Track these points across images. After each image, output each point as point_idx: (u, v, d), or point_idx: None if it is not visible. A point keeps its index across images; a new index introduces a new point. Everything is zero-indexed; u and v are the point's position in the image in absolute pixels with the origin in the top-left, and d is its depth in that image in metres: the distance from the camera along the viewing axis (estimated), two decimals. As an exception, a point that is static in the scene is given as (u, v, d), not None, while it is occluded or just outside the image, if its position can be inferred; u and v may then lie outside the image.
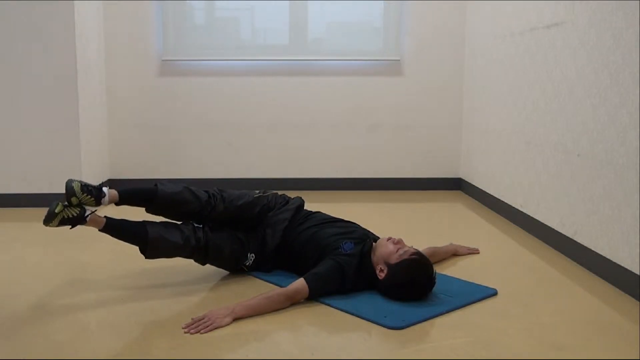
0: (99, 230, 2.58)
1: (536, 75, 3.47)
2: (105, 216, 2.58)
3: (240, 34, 4.94)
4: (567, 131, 3.08)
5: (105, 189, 2.57)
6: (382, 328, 2.18)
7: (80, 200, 2.48)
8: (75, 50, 4.14)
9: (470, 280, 2.68)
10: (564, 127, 3.13)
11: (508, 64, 3.92)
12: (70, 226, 2.50)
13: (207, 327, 2.15)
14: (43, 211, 3.92)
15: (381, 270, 2.46)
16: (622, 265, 2.58)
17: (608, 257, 2.69)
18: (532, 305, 2.44)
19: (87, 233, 3.59)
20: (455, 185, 4.99)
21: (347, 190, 4.91)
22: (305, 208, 2.90)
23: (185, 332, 2.13)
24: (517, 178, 3.75)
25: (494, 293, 2.54)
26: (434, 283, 2.44)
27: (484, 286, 2.61)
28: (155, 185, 2.62)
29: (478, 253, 3.16)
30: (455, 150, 4.97)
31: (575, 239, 3.00)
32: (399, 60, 4.86)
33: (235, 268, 2.74)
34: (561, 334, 2.15)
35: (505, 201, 3.94)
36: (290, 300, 2.36)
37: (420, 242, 2.98)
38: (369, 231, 2.76)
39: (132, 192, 2.65)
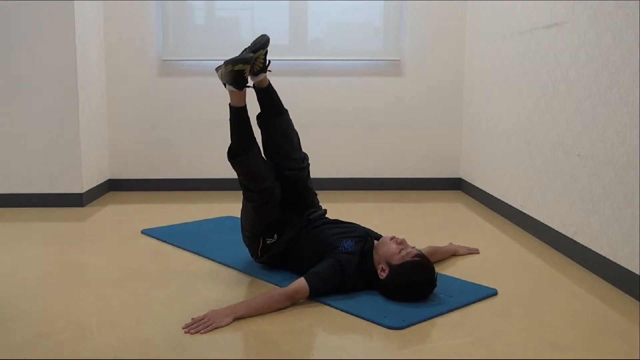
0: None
1: (536, 75, 3.47)
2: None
3: (240, 34, 4.94)
4: (567, 131, 3.08)
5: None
6: (382, 328, 2.18)
7: (256, 59, 2.61)
8: (75, 50, 4.14)
9: (470, 280, 2.68)
10: (564, 127, 3.13)
11: (508, 64, 3.92)
12: (236, 83, 2.57)
13: (207, 327, 2.15)
14: (43, 211, 3.92)
15: (382, 270, 2.45)
16: (622, 265, 2.58)
17: (608, 257, 2.69)
18: (532, 305, 2.44)
19: (87, 233, 3.60)
20: (455, 185, 4.99)
21: (347, 190, 4.91)
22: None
23: (185, 332, 2.13)
24: (517, 178, 3.76)
25: (494, 293, 2.54)
26: (435, 286, 2.44)
27: (484, 286, 2.61)
28: (286, 110, 2.75)
29: (478, 253, 3.16)
30: (455, 150, 4.97)
31: (575, 239, 3.00)
32: (399, 60, 4.86)
33: (264, 238, 2.69)
34: (561, 334, 2.15)
35: (505, 201, 3.94)
36: (290, 300, 2.35)
37: (420, 242, 2.98)
38: (370, 230, 2.75)
39: (273, 93, 2.79)
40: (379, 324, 2.20)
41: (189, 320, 2.20)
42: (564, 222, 3.12)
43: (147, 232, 3.52)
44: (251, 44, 2.69)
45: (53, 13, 4.09)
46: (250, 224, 2.74)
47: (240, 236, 3.38)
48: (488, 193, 4.28)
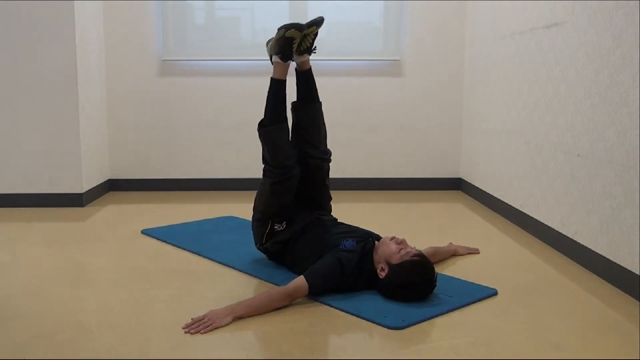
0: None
1: (536, 75, 3.47)
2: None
3: (240, 34, 4.94)
4: (567, 131, 3.08)
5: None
6: (382, 328, 2.18)
7: (307, 35, 2.69)
8: (75, 50, 4.14)
9: (470, 280, 2.68)
10: (564, 127, 3.13)
11: (508, 64, 3.92)
12: (283, 52, 2.67)
13: (207, 327, 2.15)
14: (43, 211, 3.93)
15: (382, 270, 2.45)
16: (622, 265, 2.58)
17: (608, 257, 2.69)
18: (532, 305, 2.44)
19: (87, 233, 3.60)
20: (455, 185, 4.99)
21: (347, 190, 4.91)
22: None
23: (185, 332, 2.13)
24: (517, 178, 3.76)
25: (494, 293, 2.54)
26: (435, 286, 2.43)
27: (484, 286, 2.61)
28: (321, 102, 2.83)
29: (478, 253, 3.16)
30: (455, 150, 4.98)
31: (575, 239, 3.00)
32: (399, 60, 4.86)
33: (273, 222, 2.72)
34: (561, 334, 2.15)
35: (505, 201, 3.94)
36: (290, 298, 2.35)
37: (420, 242, 2.98)
38: (372, 232, 2.75)
39: (311, 79, 2.85)
40: (379, 324, 2.20)
41: (189, 320, 2.20)
42: (564, 222, 3.12)
43: (147, 232, 3.52)
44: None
45: (53, 13, 4.09)
46: (264, 203, 2.76)
47: (240, 236, 3.40)
48: (488, 193, 4.28)
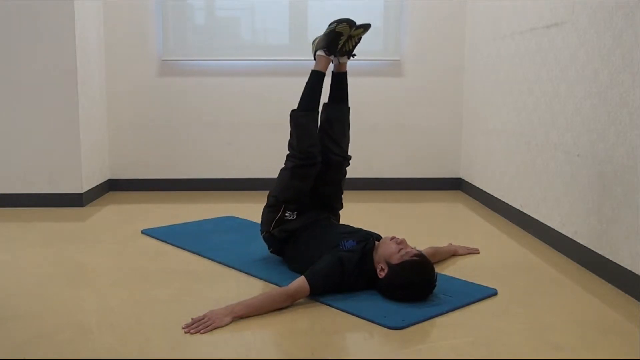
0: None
1: (536, 75, 3.47)
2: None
3: (240, 34, 4.94)
4: (567, 131, 3.08)
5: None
6: (382, 328, 2.18)
7: (353, 36, 2.85)
8: (75, 50, 4.14)
9: (470, 280, 2.68)
10: (564, 127, 3.13)
11: (508, 64, 3.92)
12: (328, 46, 2.83)
13: (207, 327, 2.15)
14: (43, 211, 3.93)
15: (382, 270, 2.45)
16: (622, 265, 2.58)
17: (608, 257, 2.69)
18: (532, 305, 2.44)
19: (87, 233, 3.60)
20: (455, 185, 4.99)
21: (347, 190, 4.89)
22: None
23: (185, 332, 2.13)
24: (517, 178, 3.76)
25: (494, 293, 2.54)
26: (435, 286, 2.43)
27: (484, 286, 2.61)
28: (349, 107, 3.00)
29: (478, 253, 3.16)
30: (455, 150, 4.97)
31: (575, 239, 3.00)
32: (399, 60, 4.86)
33: (285, 209, 2.77)
34: (561, 334, 2.15)
35: (505, 201, 3.94)
36: (291, 299, 2.35)
37: (420, 242, 2.98)
38: (374, 233, 2.75)
39: (345, 82, 3.00)
40: (379, 324, 2.20)
41: (189, 320, 2.20)
42: (564, 222, 3.12)
43: (147, 232, 3.52)
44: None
45: (53, 13, 4.09)
46: (280, 187, 2.82)
47: (240, 236, 3.41)
48: (488, 193, 4.28)
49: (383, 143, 4.96)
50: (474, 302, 2.44)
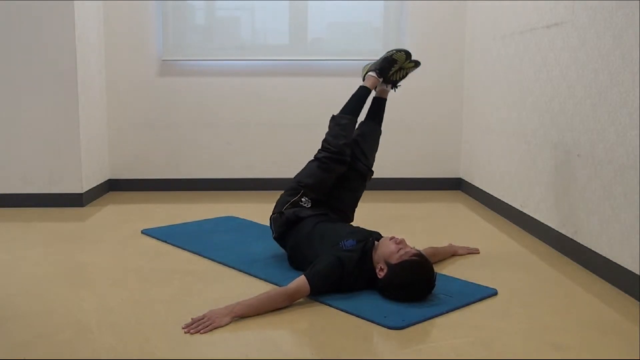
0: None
1: (536, 75, 3.47)
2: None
3: (240, 34, 4.94)
4: (567, 131, 3.08)
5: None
6: (382, 328, 2.18)
7: (405, 67, 3.11)
8: (75, 50, 4.14)
9: (470, 280, 2.68)
10: (564, 127, 3.13)
11: (508, 64, 3.92)
12: (381, 69, 3.06)
13: (207, 327, 2.15)
14: (43, 211, 3.92)
15: (381, 269, 2.45)
16: (622, 265, 2.58)
17: (608, 257, 2.69)
18: (532, 305, 2.44)
19: (87, 233, 3.60)
20: (455, 185, 4.99)
21: (347, 190, 4.90)
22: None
23: (185, 332, 2.13)
24: (517, 178, 3.76)
25: (494, 293, 2.54)
26: (434, 286, 2.43)
27: (484, 286, 2.61)
28: (381, 131, 3.17)
29: (478, 253, 3.16)
30: (455, 150, 4.97)
31: (575, 239, 3.00)
32: (399, 60, 4.85)
33: (302, 195, 2.87)
34: (561, 334, 2.15)
35: (505, 201, 3.94)
36: (291, 299, 2.36)
37: (420, 242, 2.98)
38: (374, 232, 2.75)
39: (383, 107, 3.17)
40: (379, 324, 2.20)
41: (188, 320, 2.20)
42: (564, 222, 3.12)
43: (147, 232, 3.52)
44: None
45: (53, 13, 4.09)
46: (305, 173, 2.94)
47: (240, 236, 3.42)
48: (488, 193, 4.28)
49: (383, 143, 4.91)
50: (474, 302, 2.44)
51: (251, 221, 3.80)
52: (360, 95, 3.07)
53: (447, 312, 2.32)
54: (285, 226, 2.85)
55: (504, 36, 3.99)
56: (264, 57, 4.84)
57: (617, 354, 2.01)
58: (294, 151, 4.95)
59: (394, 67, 3.07)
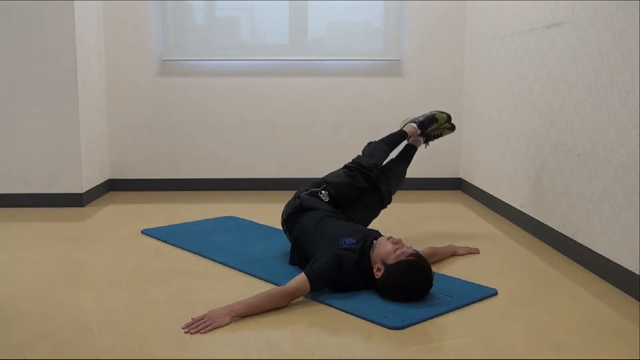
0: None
1: (536, 75, 3.47)
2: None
3: (240, 34, 4.94)
4: (567, 131, 3.08)
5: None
6: (382, 328, 2.18)
7: (442, 128, 3.39)
8: (75, 50, 4.14)
9: (470, 280, 2.68)
10: (564, 127, 3.13)
11: (508, 64, 3.92)
12: (422, 122, 3.33)
13: (207, 326, 2.15)
14: (43, 211, 3.92)
15: (378, 270, 2.46)
16: (622, 265, 2.58)
17: (608, 257, 2.69)
18: (532, 305, 2.44)
19: (87, 233, 3.60)
20: (455, 185, 4.99)
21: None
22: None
23: (185, 332, 2.13)
24: (517, 178, 3.76)
25: (494, 293, 2.54)
26: (431, 286, 2.43)
27: (484, 286, 2.61)
28: (406, 170, 3.38)
29: (478, 253, 3.16)
30: (455, 150, 4.97)
31: (575, 239, 3.00)
32: (399, 60, 4.86)
33: (324, 189, 3.00)
34: (561, 334, 2.15)
35: (505, 201, 3.94)
36: (291, 298, 2.36)
37: (420, 242, 2.98)
38: (373, 231, 2.75)
39: (412, 153, 3.41)
40: (379, 324, 2.20)
41: (188, 320, 2.20)
42: (564, 222, 3.12)
43: (147, 232, 3.52)
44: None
45: (53, 13, 4.09)
46: (332, 174, 3.09)
47: (240, 236, 3.44)
48: (488, 193, 4.28)
49: (383, 143, 4.95)
50: (474, 302, 2.44)
51: (251, 221, 3.80)
52: (398, 135, 3.33)
53: (447, 312, 2.32)
54: (296, 209, 2.89)
55: (504, 36, 3.99)
56: (263, 57, 4.84)
57: (617, 354, 2.01)
58: (294, 151, 4.95)
59: (433, 125, 3.34)
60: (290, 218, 2.91)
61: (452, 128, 3.45)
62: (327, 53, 4.85)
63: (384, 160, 3.25)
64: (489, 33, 4.30)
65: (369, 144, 3.30)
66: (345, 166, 3.14)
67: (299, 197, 2.96)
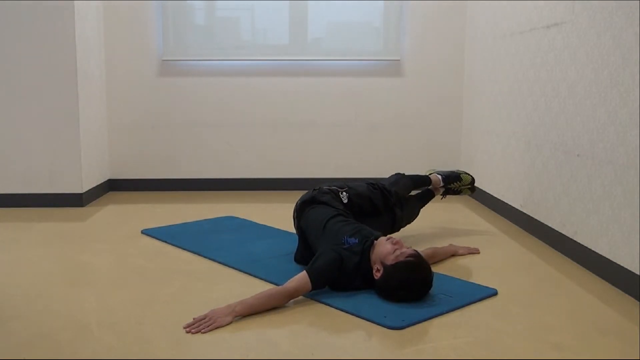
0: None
1: (536, 75, 3.47)
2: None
3: (240, 34, 4.94)
4: (567, 131, 3.08)
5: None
6: (382, 328, 2.18)
7: (461, 186, 3.59)
8: (75, 50, 4.14)
9: (470, 280, 2.68)
10: (564, 127, 3.13)
11: (508, 64, 3.92)
12: (448, 177, 3.54)
13: (208, 326, 2.15)
14: (43, 211, 3.92)
15: (377, 270, 2.46)
16: (622, 265, 2.58)
17: (608, 257, 2.69)
18: (532, 305, 2.44)
19: (87, 233, 3.60)
20: (455, 185, 4.98)
21: (347, 190, 4.90)
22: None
23: (187, 332, 2.13)
24: (517, 178, 3.76)
25: (494, 293, 2.54)
26: (430, 286, 2.43)
27: (484, 286, 2.61)
28: (420, 209, 3.46)
29: (478, 253, 3.16)
30: (455, 151, 4.97)
31: (575, 239, 3.00)
32: (399, 60, 4.86)
33: (344, 191, 3.02)
34: (561, 334, 2.15)
35: (505, 201, 3.94)
36: (292, 296, 2.37)
37: (420, 242, 2.98)
38: (375, 231, 2.75)
39: (430, 198, 3.53)
40: (378, 324, 2.20)
41: (189, 320, 2.20)
42: (564, 222, 3.12)
43: (147, 232, 3.52)
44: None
45: (53, 13, 4.09)
46: (357, 185, 3.15)
47: (240, 236, 3.44)
48: (488, 193, 4.28)
49: (383, 143, 4.96)
50: (474, 302, 2.44)
51: (251, 221, 3.80)
52: (423, 179, 3.51)
53: (447, 312, 2.32)
54: (311, 199, 2.90)
55: (504, 36, 3.99)
56: (264, 57, 4.84)
57: (617, 354, 2.01)
58: (294, 151, 4.95)
59: (456, 182, 3.55)
60: (303, 207, 2.90)
61: (472, 190, 3.63)
62: (327, 53, 4.85)
63: (405, 194, 3.35)
64: (489, 33, 4.30)
65: (396, 174, 3.46)
66: (369, 182, 3.19)
67: (318, 188, 2.98)
